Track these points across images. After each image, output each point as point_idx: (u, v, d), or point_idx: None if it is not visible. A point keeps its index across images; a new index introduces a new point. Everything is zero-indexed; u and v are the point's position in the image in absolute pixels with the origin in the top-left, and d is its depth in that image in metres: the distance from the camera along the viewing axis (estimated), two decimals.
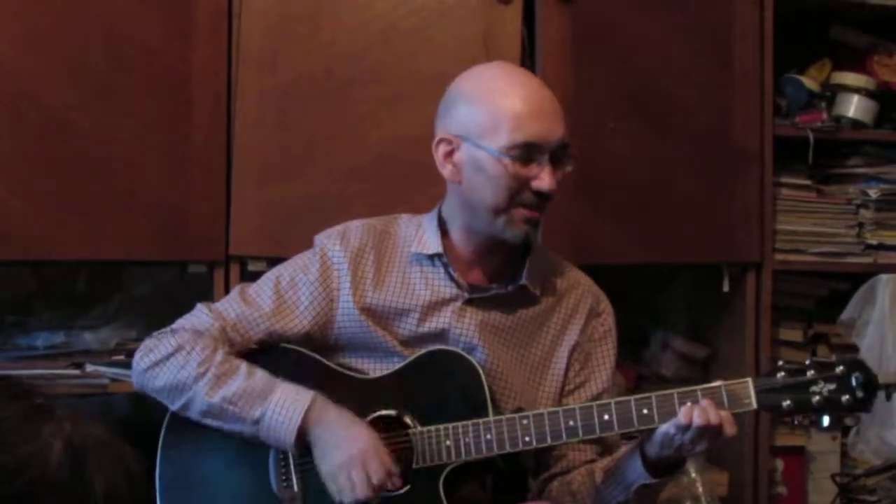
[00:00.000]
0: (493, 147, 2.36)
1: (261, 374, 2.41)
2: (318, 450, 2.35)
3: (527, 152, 2.36)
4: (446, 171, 2.45)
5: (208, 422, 2.42)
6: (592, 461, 2.51)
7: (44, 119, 3.10)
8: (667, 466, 2.36)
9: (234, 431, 2.41)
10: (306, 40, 3.27)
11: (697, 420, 2.23)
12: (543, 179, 2.36)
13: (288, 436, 2.35)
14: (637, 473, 2.36)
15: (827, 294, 3.74)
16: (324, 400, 2.37)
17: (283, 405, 2.36)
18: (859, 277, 3.61)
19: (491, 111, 2.37)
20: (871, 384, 2.31)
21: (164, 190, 3.19)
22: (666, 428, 2.28)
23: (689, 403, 2.27)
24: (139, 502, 1.37)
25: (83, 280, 3.57)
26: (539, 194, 2.37)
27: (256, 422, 2.37)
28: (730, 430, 2.26)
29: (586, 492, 2.46)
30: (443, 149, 2.44)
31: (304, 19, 3.27)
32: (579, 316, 2.56)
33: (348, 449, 2.31)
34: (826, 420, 2.33)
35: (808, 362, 2.34)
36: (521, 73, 2.50)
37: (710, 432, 2.25)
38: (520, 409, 2.42)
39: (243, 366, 2.43)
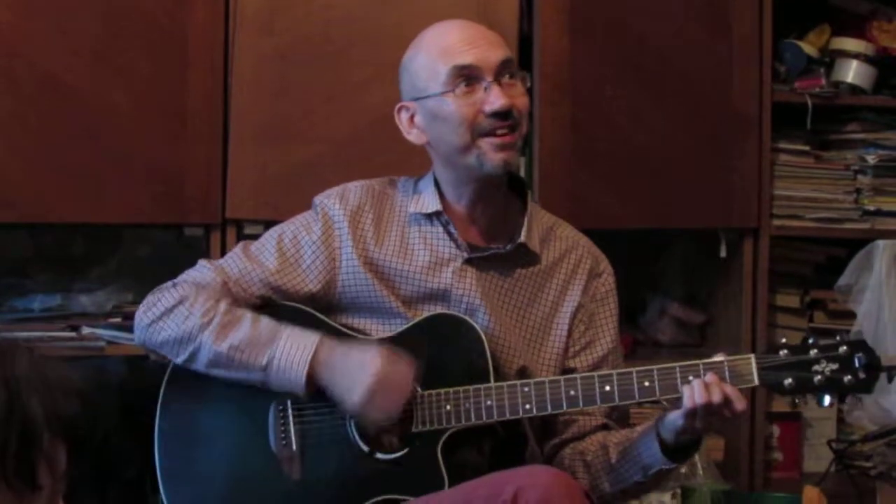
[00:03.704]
0: (437, 89, 2.41)
1: (266, 321, 2.41)
2: (335, 391, 2.34)
3: (466, 79, 2.39)
4: (413, 136, 2.49)
5: (214, 372, 2.41)
6: (604, 426, 2.50)
7: (41, 82, 3.10)
8: (684, 447, 2.35)
9: (241, 379, 2.40)
10: (303, 4, 3.27)
11: (700, 399, 2.23)
12: (492, 100, 2.38)
13: (298, 378, 2.34)
14: (654, 458, 2.34)
15: (824, 260, 3.74)
16: (330, 340, 2.37)
17: (291, 349, 2.35)
18: (857, 243, 3.59)
19: (424, 61, 2.44)
20: (873, 365, 2.29)
21: (160, 153, 3.19)
22: (674, 416, 2.28)
23: (690, 379, 2.26)
24: (99, 419, 1.37)
25: (80, 243, 3.56)
26: (496, 115, 2.38)
27: (265, 368, 2.37)
28: (739, 405, 2.25)
29: (601, 467, 2.44)
30: (404, 116, 2.49)
31: None
32: (580, 277, 2.55)
33: (363, 381, 2.30)
34: (827, 399, 2.31)
35: (811, 340, 2.32)
36: (448, 21, 2.52)
37: (716, 409, 2.23)
38: (523, 369, 2.43)
39: (248, 313, 2.42)
